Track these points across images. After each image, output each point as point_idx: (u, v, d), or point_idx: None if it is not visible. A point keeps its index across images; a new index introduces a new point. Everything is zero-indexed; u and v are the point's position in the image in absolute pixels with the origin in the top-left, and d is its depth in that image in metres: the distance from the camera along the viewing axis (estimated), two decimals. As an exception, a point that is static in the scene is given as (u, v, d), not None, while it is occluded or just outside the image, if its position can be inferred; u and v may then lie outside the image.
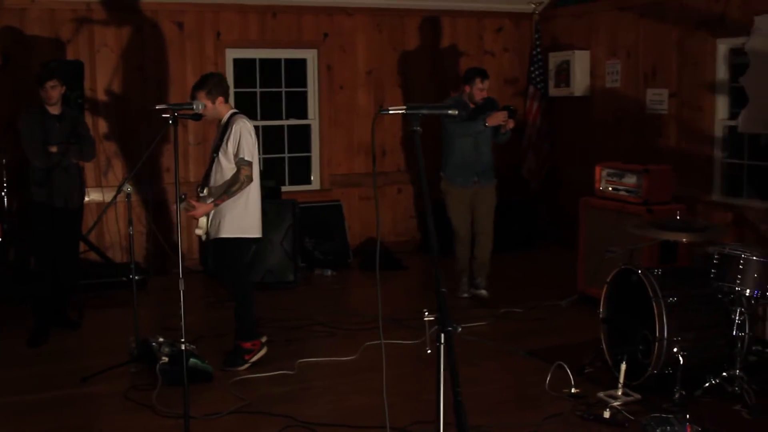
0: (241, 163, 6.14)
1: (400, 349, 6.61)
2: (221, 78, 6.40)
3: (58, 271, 7.21)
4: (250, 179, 6.16)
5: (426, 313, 2.78)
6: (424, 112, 3.00)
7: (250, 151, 6.18)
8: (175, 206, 6.41)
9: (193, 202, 6.12)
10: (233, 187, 6.12)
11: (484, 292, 8.28)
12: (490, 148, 8.17)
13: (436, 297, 2.68)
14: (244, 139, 6.15)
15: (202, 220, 6.27)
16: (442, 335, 2.69)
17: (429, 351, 2.80)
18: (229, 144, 6.18)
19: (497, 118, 7.79)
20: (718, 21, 8.25)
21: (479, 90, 7.98)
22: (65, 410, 5.55)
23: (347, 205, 10.11)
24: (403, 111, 2.99)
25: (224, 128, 6.25)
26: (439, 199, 8.28)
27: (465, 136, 7.95)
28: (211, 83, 6.25)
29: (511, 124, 7.89)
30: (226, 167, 6.22)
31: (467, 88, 8.02)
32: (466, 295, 8.29)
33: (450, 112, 3.07)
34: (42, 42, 8.72)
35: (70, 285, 7.45)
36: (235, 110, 6.36)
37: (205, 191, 6.30)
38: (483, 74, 8.02)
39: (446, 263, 8.28)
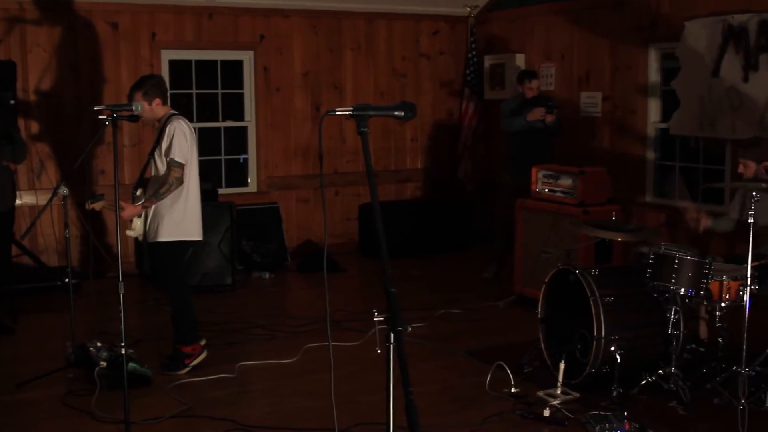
0: (172, 164, 6.02)
1: (338, 350, 6.61)
2: (160, 80, 6.32)
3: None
4: (180, 181, 6.05)
5: (375, 313, 2.77)
6: (371, 113, 2.99)
7: (182, 152, 6.05)
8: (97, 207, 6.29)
9: (122, 203, 5.97)
10: (162, 188, 6.01)
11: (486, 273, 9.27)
12: (548, 148, 8.74)
13: (386, 296, 2.68)
14: (176, 139, 6.04)
15: (136, 222, 6.19)
16: (392, 335, 2.68)
17: (379, 351, 2.80)
18: (163, 145, 6.09)
19: (535, 114, 8.52)
20: (649, 26, 8.42)
21: (528, 89, 8.78)
22: (0, 417, 5.44)
23: (284, 207, 10.08)
24: (350, 112, 2.99)
25: (161, 130, 6.17)
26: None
27: (516, 132, 8.70)
28: (148, 84, 6.16)
29: (549, 119, 8.47)
30: (161, 169, 6.13)
31: (520, 88, 8.88)
32: (487, 276, 9.23)
33: (396, 113, 3.07)
34: (-28, 42, 8.55)
35: (3, 289, 7.30)
36: (174, 112, 6.27)
37: (138, 192, 6.22)
38: (531, 75, 8.88)
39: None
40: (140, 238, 6.31)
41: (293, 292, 9.08)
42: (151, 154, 6.21)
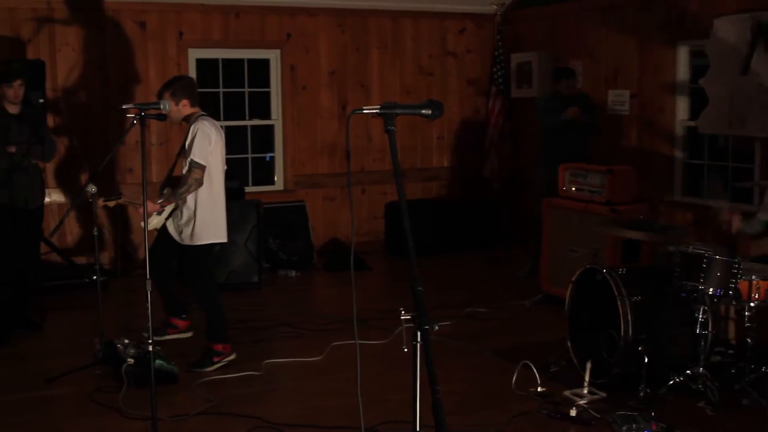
0: (192, 165, 6.05)
1: (365, 349, 6.60)
2: (190, 81, 6.35)
3: (19, 273, 7.12)
4: (199, 183, 6.06)
5: (402, 312, 2.76)
6: (398, 111, 2.98)
7: (203, 154, 6.06)
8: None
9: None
10: (181, 188, 6.04)
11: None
12: (584, 148, 8.68)
13: (412, 295, 2.67)
14: (198, 140, 6.06)
15: (154, 218, 6.22)
16: (419, 334, 2.67)
17: (405, 349, 2.79)
18: (186, 145, 6.14)
19: (571, 113, 8.49)
20: (678, 23, 8.35)
21: (566, 87, 8.73)
22: (29, 413, 5.49)
23: (311, 205, 10.09)
24: (377, 111, 2.98)
25: (187, 130, 6.21)
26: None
27: (552, 130, 8.68)
28: (177, 85, 6.20)
29: (584, 119, 8.48)
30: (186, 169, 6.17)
31: (556, 86, 8.87)
32: (520, 275, 9.15)
33: (423, 112, 3.05)
34: (2, 41, 8.59)
35: (32, 286, 7.35)
36: (203, 113, 6.28)
37: (165, 190, 6.26)
38: (568, 73, 8.85)
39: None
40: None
41: (319, 291, 9.09)
42: (179, 154, 6.24)
